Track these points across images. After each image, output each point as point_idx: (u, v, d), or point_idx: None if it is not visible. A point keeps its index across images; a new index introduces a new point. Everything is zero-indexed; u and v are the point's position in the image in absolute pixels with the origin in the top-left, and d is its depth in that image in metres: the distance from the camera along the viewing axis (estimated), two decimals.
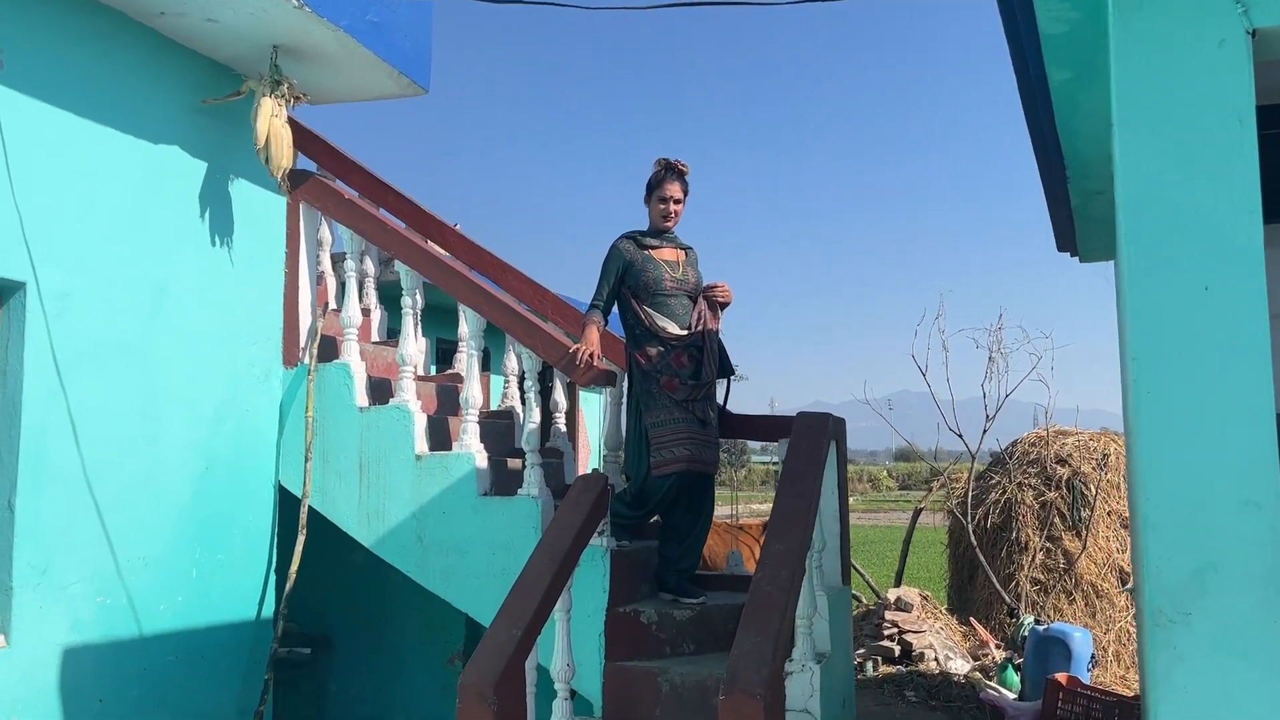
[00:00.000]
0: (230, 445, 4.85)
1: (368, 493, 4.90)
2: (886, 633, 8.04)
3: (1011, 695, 7.07)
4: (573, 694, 3.97)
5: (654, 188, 4.81)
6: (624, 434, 4.95)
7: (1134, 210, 2.61)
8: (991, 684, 7.34)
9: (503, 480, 4.92)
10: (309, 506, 4.96)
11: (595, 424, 11.67)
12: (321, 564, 5.43)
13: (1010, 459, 9.75)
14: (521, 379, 5.14)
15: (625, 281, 4.74)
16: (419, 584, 4.83)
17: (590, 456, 10.98)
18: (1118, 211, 2.85)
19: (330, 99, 5.34)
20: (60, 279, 4.04)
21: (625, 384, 5.00)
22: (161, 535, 4.47)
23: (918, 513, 11.13)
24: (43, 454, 3.96)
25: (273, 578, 5.04)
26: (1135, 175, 2.61)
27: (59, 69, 4.06)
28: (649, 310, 4.68)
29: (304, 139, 5.48)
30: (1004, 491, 9.41)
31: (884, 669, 7.74)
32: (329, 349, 5.26)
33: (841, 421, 4.92)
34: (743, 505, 26.13)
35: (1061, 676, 6.28)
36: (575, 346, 4.69)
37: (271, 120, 4.70)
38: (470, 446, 4.79)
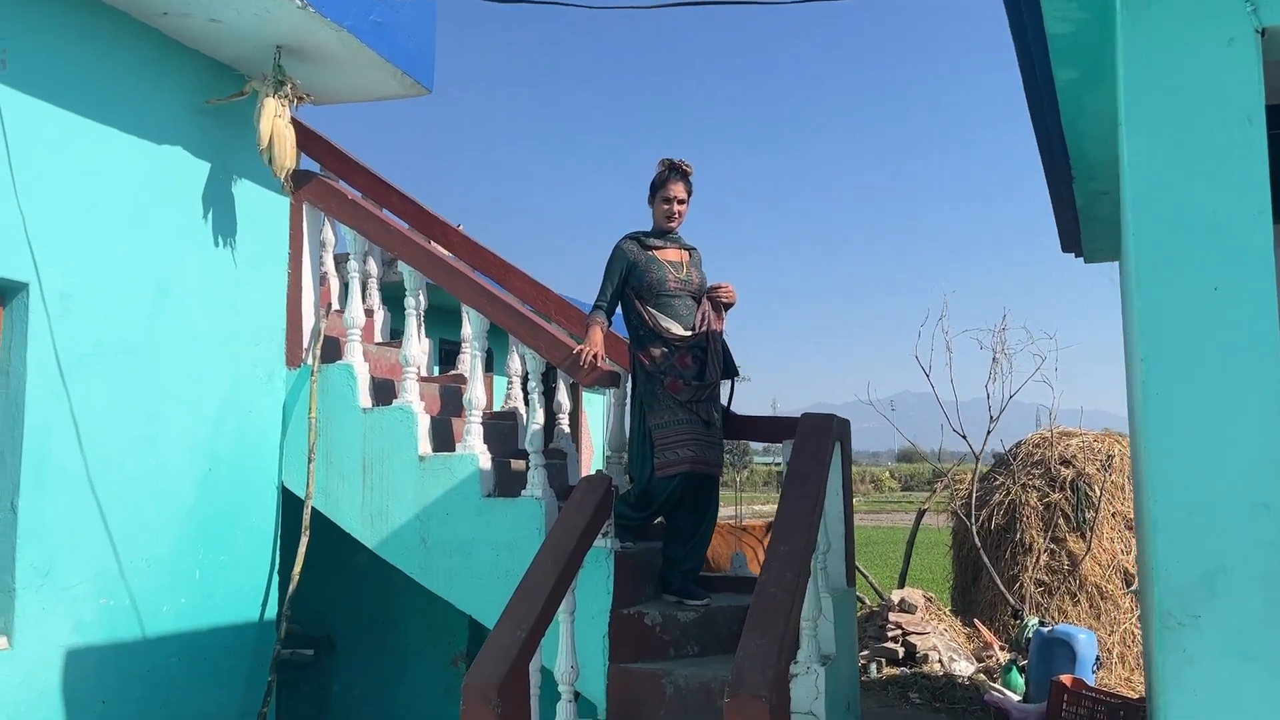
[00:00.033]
0: (233, 446, 4.84)
1: (371, 494, 4.89)
2: (890, 634, 8.02)
3: (1016, 697, 7.05)
4: (577, 696, 3.95)
5: (658, 188, 4.80)
6: (627, 435, 4.94)
7: (1142, 210, 2.59)
8: (996, 686, 7.32)
9: (506, 481, 4.91)
10: (312, 508, 4.95)
11: (598, 425, 11.66)
12: (324, 565, 5.42)
13: (1014, 460, 9.73)
14: (525, 380, 5.13)
15: (629, 282, 4.73)
16: (422, 585, 4.82)
17: (593, 457, 10.97)
18: (1125, 212, 2.84)
19: (333, 99, 5.33)
20: (63, 279, 4.03)
21: (629, 385, 4.99)
22: (164, 536, 4.46)
23: (921, 514, 11.11)
24: (45, 455, 3.95)
25: (276, 579, 5.03)
26: (1143, 175, 2.60)
27: (62, 69, 4.06)
28: (653, 311, 4.67)
29: (307, 140, 5.47)
30: (1008, 493, 9.39)
31: (888, 670, 7.73)
32: (332, 350, 5.25)
33: (846, 423, 4.90)
34: (745, 506, 26.09)
35: (1066, 678, 6.26)
36: (579, 347, 4.68)
37: (275, 121, 4.69)
38: (474, 448, 4.78)
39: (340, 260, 5.98)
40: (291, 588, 4.88)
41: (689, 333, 4.66)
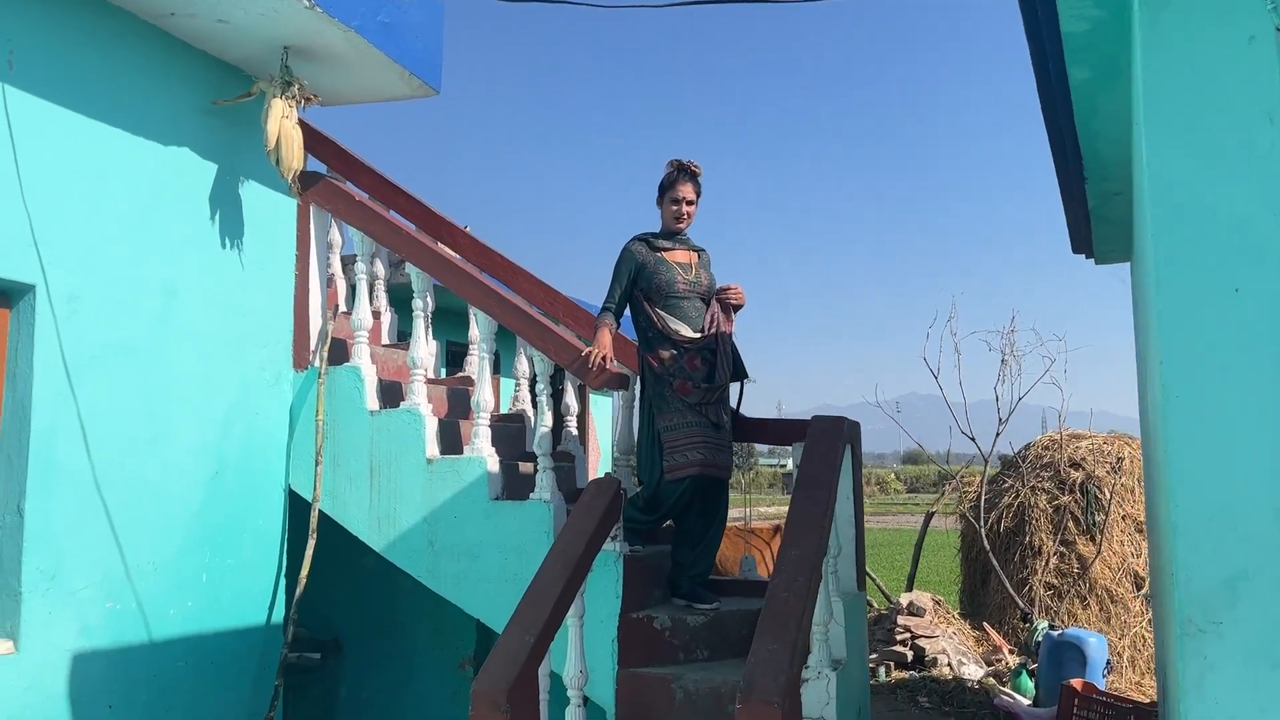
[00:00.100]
0: (240, 449, 4.82)
1: (378, 497, 4.87)
2: (899, 638, 7.99)
3: (1026, 701, 7.02)
4: (585, 701, 3.93)
5: (666, 189, 4.77)
6: (636, 438, 4.91)
7: (1162, 211, 2.56)
8: (1005, 690, 7.29)
9: (514, 484, 4.88)
10: (319, 510, 4.93)
11: (605, 427, 11.64)
12: (332, 568, 5.40)
13: (1024, 462, 9.69)
14: (533, 382, 5.10)
15: (637, 284, 4.70)
16: (430, 589, 4.80)
17: (600, 460, 10.95)
18: (1144, 212, 2.80)
19: (341, 100, 5.31)
20: (69, 281, 4.01)
21: (637, 387, 4.97)
22: (171, 539, 4.44)
23: (929, 516, 11.07)
24: (52, 458, 3.93)
25: (283, 582, 5.00)
26: (1163, 175, 2.56)
27: (68, 70, 4.04)
28: (661, 313, 4.64)
29: (314, 141, 5.45)
30: (1017, 495, 9.36)
31: (896, 674, 7.69)
32: (339, 352, 5.23)
33: (856, 425, 4.87)
34: (751, 508, 26.06)
35: (1077, 682, 6.22)
36: (587, 349, 4.65)
37: (282, 122, 4.68)
38: (482, 450, 4.75)
39: (347, 262, 5.96)
40: (298, 591, 4.86)
41: (698, 335, 4.63)
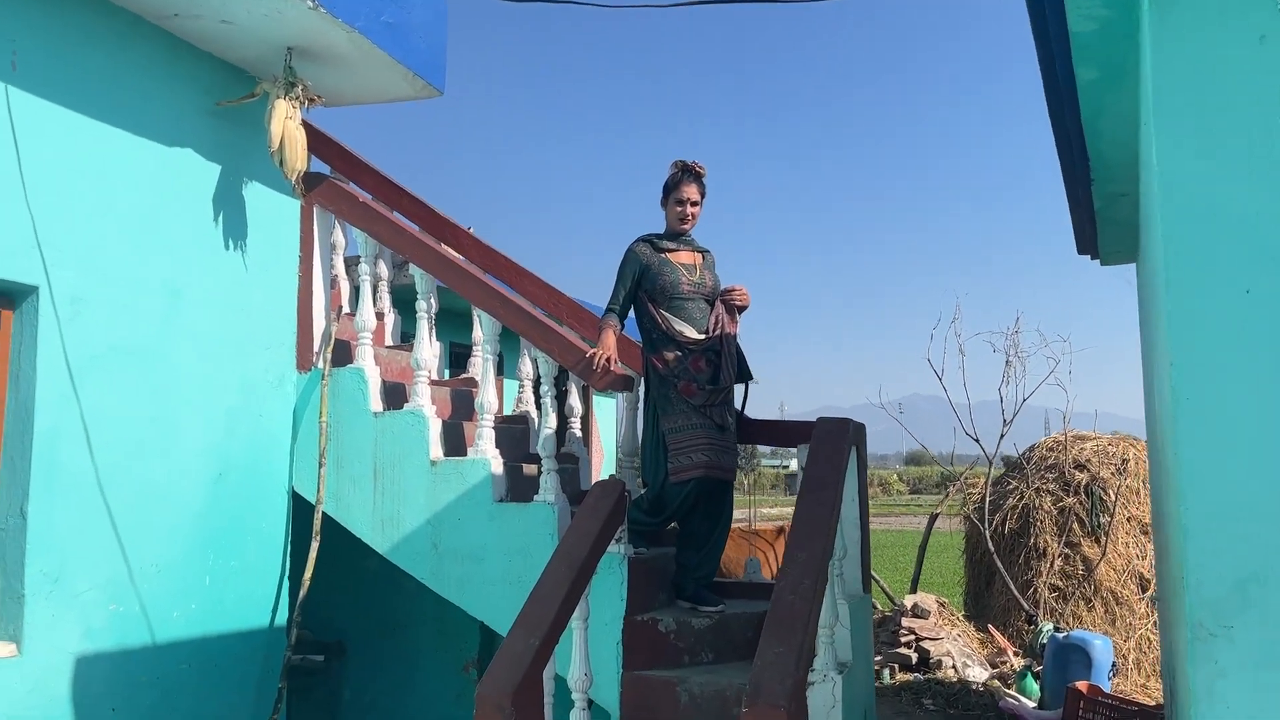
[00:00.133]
0: (244, 450, 4.80)
1: (382, 499, 4.86)
2: (903, 640, 7.96)
3: (1031, 703, 6.99)
4: (590, 704, 3.91)
5: (671, 190, 4.76)
6: (640, 439, 4.90)
7: (1172, 212, 2.53)
8: (1010, 692, 7.26)
9: (518, 486, 4.87)
10: (323, 512, 4.92)
11: (609, 428, 11.61)
12: (335, 570, 5.39)
13: (1028, 464, 9.67)
14: (537, 384, 5.09)
15: (642, 285, 4.68)
16: (434, 591, 4.78)
17: (604, 461, 10.93)
18: (1153, 214, 2.78)
19: (344, 101, 5.30)
20: (73, 283, 4.00)
21: (642, 389, 4.95)
22: (174, 542, 4.43)
23: (934, 518, 11.05)
24: (55, 460, 3.92)
25: (286, 584, 4.99)
26: (1173, 176, 2.54)
27: (72, 71, 4.03)
28: (666, 314, 4.62)
29: (317, 142, 5.44)
30: (1022, 497, 9.33)
31: (901, 676, 7.67)
32: (343, 353, 5.22)
33: (861, 427, 4.85)
34: (754, 510, 26.02)
35: (1082, 685, 6.21)
36: (592, 351, 4.64)
37: (286, 123, 4.66)
38: (486, 452, 4.74)
39: (351, 263, 5.95)
40: (302, 593, 4.85)
41: (702, 336, 4.62)
